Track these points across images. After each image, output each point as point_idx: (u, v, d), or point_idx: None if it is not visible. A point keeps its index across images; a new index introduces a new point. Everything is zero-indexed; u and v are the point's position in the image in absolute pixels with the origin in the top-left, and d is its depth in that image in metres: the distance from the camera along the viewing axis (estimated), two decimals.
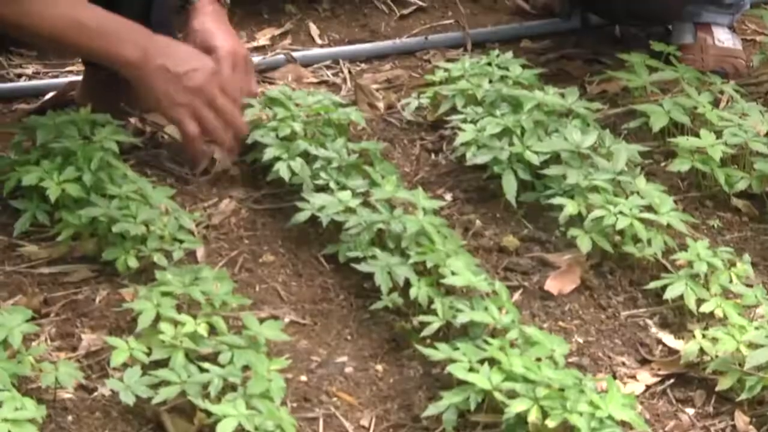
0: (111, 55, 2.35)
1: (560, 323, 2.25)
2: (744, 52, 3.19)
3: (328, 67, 3.16)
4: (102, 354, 2.08)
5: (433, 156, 2.72)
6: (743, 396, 2.04)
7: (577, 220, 2.39)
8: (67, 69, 3.10)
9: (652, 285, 2.29)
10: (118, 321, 2.15)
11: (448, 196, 2.57)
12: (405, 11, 3.45)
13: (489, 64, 2.87)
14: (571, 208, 2.38)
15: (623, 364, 2.17)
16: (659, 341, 2.22)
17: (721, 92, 2.85)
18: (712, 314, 2.22)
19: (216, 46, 2.50)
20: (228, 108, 2.44)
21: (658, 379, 2.14)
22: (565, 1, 3.29)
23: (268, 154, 2.47)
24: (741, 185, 2.57)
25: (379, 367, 2.12)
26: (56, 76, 3.04)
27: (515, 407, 1.89)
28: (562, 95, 2.70)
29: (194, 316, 2.05)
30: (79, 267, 2.27)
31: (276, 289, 2.28)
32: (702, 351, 2.13)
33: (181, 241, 2.27)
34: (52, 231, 2.31)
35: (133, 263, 2.21)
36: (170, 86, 2.36)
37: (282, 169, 2.44)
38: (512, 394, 1.93)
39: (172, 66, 2.36)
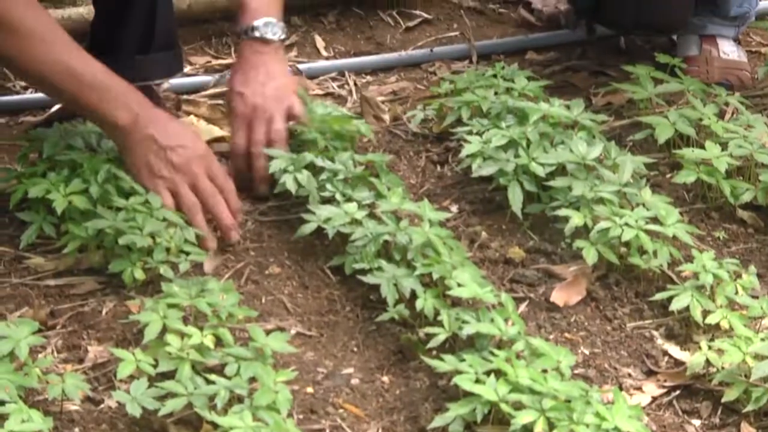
0: (102, 114, 2.30)
1: (566, 335, 2.25)
2: (749, 64, 3.20)
3: (333, 80, 3.17)
4: (108, 366, 2.08)
5: (438, 168, 2.73)
6: (749, 407, 2.04)
7: (582, 231, 2.39)
8: None
9: (658, 296, 2.29)
10: (124, 333, 2.15)
11: (454, 208, 2.57)
12: (410, 23, 3.46)
13: (494, 76, 2.88)
14: (576, 219, 2.38)
15: (629, 375, 2.17)
16: (665, 353, 2.22)
17: (726, 104, 2.86)
18: (718, 326, 2.22)
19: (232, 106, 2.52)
20: (209, 192, 2.33)
21: (665, 390, 2.14)
22: (571, 11, 3.30)
23: (275, 166, 2.47)
24: (746, 197, 2.57)
25: (386, 379, 2.12)
26: None
27: (522, 419, 1.89)
28: (568, 107, 2.70)
29: (201, 328, 2.05)
30: (86, 279, 2.27)
31: (282, 301, 2.29)
32: (708, 362, 2.13)
33: (187, 253, 2.28)
34: (58, 243, 2.31)
35: (139, 275, 2.22)
36: (153, 157, 2.30)
37: (288, 182, 2.44)
38: (519, 406, 1.93)
39: (160, 138, 2.30)
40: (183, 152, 2.32)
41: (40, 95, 2.98)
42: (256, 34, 2.52)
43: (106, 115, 2.30)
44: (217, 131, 2.77)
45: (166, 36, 2.71)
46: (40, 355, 2.07)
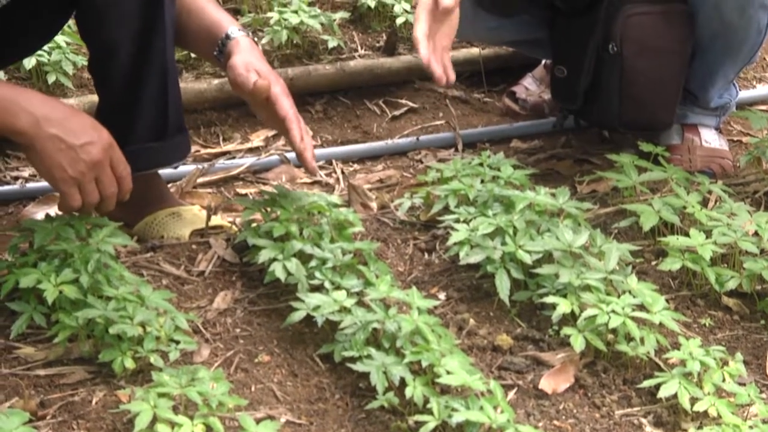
0: (3, 125, 2.29)
1: (555, 422, 2.25)
2: (730, 152, 3.24)
3: (321, 168, 3.20)
4: None
5: (426, 255, 2.75)
6: None
7: (570, 318, 2.41)
8: None
9: (646, 383, 2.30)
10: (114, 423, 2.15)
11: (442, 296, 2.59)
12: (397, 112, 3.50)
13: (481, 164, 2.91)
14: (564, 306, 2.40)
15: None
16: None
17: (710, 192, 2.89)
18: (706, 413, 2.23)
19: (260, 69, 2.52)
20: (110, 184, 2.40)
21: None
22: (555, 105, 3.34)
23: (264, 255, 2.48)
24: (731, 284, 2.59)
25: None
26: None
27: None
28: (554, 195, 2.73)
29: (191, 418, 2.05)
30: (76, 368, 2.27)
31: (272, 390, 2.29)
32: None
33: (177, 342, 2.28)
34: (48, 333, 2.31)
35: (129, 364, 2.22)
36: (64, 158, 2.32)
37: (278, 270, 2.45)
38: None
39: (67, 137, 2.31)
40: (92, 149, 2.34)
41: (30, 186, 3.00)
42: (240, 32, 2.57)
43: (9, 125, 2.29)
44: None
45: (178, 119, 2.70)
46: None
